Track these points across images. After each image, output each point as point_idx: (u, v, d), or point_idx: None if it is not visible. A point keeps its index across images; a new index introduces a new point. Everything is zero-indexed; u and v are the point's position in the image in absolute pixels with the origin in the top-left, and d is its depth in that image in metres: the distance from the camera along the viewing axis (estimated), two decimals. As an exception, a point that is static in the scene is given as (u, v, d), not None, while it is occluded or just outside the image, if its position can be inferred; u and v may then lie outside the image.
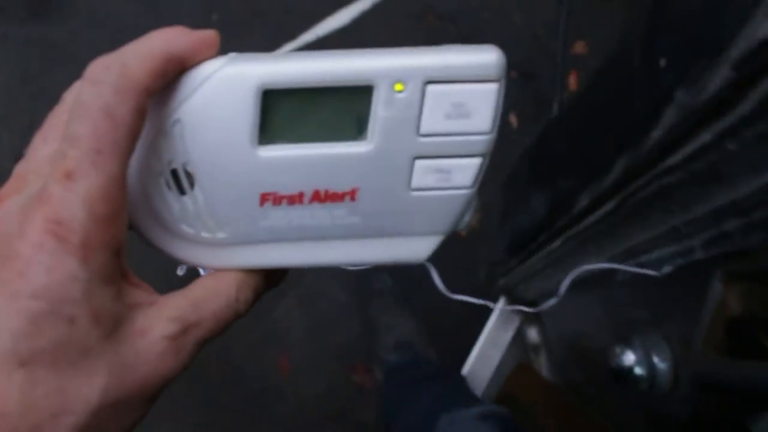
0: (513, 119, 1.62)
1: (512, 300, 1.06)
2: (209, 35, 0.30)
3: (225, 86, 0.30)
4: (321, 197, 0.32)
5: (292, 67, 0.30)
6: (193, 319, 0.30)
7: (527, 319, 1.14)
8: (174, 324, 0.30)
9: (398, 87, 0.30)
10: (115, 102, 0.27)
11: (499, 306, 1.11)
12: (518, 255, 0.92)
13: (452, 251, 1.49)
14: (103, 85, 0.27)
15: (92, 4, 1.72)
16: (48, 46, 1.68)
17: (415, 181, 0.33)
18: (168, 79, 0.29)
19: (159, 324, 0.29)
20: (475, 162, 0.32)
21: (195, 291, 0.32)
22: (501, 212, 0.99)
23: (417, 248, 0.35)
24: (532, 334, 1.14)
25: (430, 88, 0.31)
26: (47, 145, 0.30)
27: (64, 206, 0.26)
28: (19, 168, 0.30)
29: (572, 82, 1.58)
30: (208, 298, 0.31)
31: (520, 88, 1.63)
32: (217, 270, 0.33)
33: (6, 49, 1.68)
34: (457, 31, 1.71)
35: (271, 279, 0.35)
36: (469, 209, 0.35)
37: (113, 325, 0.27)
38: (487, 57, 0.31)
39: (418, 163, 0.32)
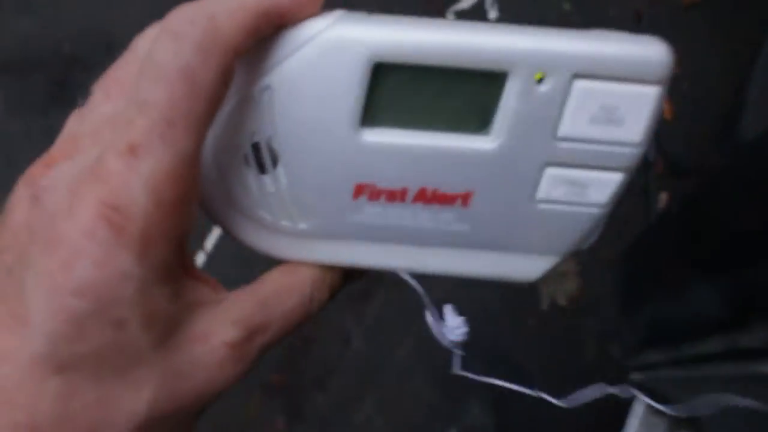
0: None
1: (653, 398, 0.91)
2: None
3: (328, 51, 0.26)
4: (427, 197, 0.29)
5: (412, 38, 0.26)
6: (260, 322, 0.27)
7: (677, 425, 0.98)
8: (238, 328, 0.27)
9: (539, 76, 0.26)
10: (198, 63, 0.23)
11: (641, 408, 0.95)
12: (665, 351, 0.82)
13: (554, 323, 1.36)
14: (184, 41, 0.23)
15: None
16: (72, 133, 1.57)
17: (542, 192, 0.29)
18: (260, 39, 0.26)
19: (222, 328, 0.26)
20: (617, 178, 0.28)
21: (265, 287, 0.29)
22: (622, 289, 0.92)
23: (528, 267, 0.31)
24: (684, 437, 0.97)
25: (579, 83, 0.26)
26: (109, 102, 0.26)
27: (123, 188, 0.22)
28: (72, 126, 0.27)
29: (666, 109, 1.44)
30: (279, 296, 0.29)
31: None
32: (292, 262, 0.30)
33: (32, 145, 1.63)
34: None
35: (351, 275, 0.32)
36: (596, 230, 0.31)
37: (168, 329, 0.25)
38: (653, 52, 0.26)
39: (549, 171, 0.28)
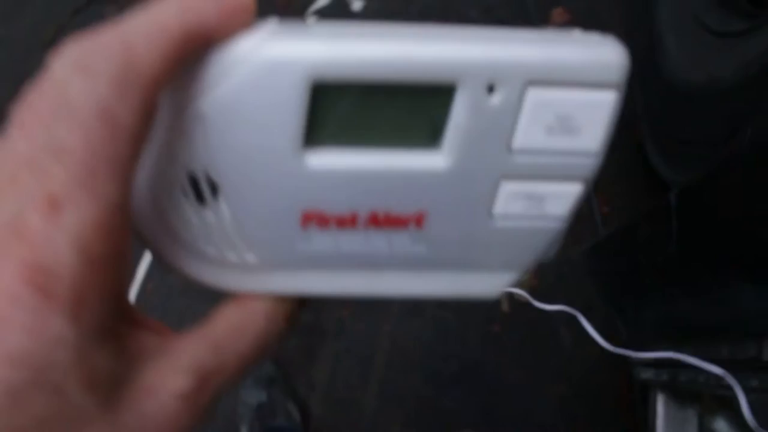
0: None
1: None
2: (242, 1, 0.24)
3: (263, 72, 0.24)
4: (379, 221, 0.27)
5: (352, 52, 0.24)
6: (213, 366, 0.25)
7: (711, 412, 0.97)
8: (190, 377, 0.24)
9: (490, 89, 0.25)
10: (116, 102, 0.21)
11: (663, 402, 0.98)
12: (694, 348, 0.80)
13: (520, 321, 1.27)
14: (99, 78, 0.21)
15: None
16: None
17: (499, 207, 0.27)
18: (185, 62, 0.23)
19: (171, 379, 0.24)
20: (575, 189, 0.27)
21: (216, 328, 0.26)
22: (609, 286, 0.91)
23: (489, 284, 0.29)
24: (721, 425, 0.96)
25: (532, 92, 0.25)
26: (25, 139, 0.22)
27: (46, 246, 0.20)
28: None
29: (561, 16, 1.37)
30: (232, 335, 0.26)
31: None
32: (244, 296, 0.28)
33: None
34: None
35: (308, 303, 0.30)
36: (556, 243, 0.29)
37: (113, 387, 0.23)
38: (608, 55, 0.25)
39: (505, 185, 0.27)
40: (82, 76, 0.21)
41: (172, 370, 0.25)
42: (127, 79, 0.21)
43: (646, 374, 0.94)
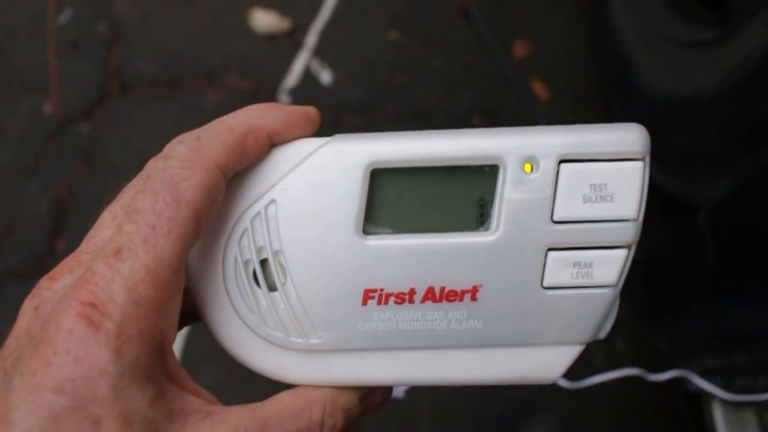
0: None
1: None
2: (307, 110, 0.29)
3: (328, 164, 0.28)
4: (436, 296, 0.29)
5: (405, 144, 0.28)
6: None
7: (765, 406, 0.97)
8: None
9: (528, 167, 0.28)
10: (182, 175, 0.26)
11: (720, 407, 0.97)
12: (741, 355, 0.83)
13: None
14: (171, 159, 0.26)
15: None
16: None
17: (549, 277, 0.29)
18: (249, 157, 0.28)
19: None
20: (620, 254, 0.29)
21: (268, 407, 0.27)
22: (648, 301, 0.91)
23: (550, 362, 0.30)
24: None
25: (565, 167, 0.28)
26: (117, 200, 0.29)
27: (103, 287, 0.24)
28: (81, 246, 0.28)
29: (541, 90, 1.39)
30: (283, 417, 0.27)
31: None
32: (303, 386, 0.29)
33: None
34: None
35: (369, 401, 0.31)
36: (612, 313, 0.30)
37: None
38: (629, 132, 0.28)
39: (552, 255, 0.29)
40: (161, 158, 0.26)
41: None
42: (192, 159, 0.26)
43: (705, 388, 0.94)
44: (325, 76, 1.44)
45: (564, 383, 0.65)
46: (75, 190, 1.40)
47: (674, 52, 1.02)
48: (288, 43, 1.49)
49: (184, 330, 1.26)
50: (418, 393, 1.29)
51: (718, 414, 0.97)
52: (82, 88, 1.49)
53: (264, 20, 1.50)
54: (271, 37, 1.50)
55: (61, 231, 1.36)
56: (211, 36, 1.52)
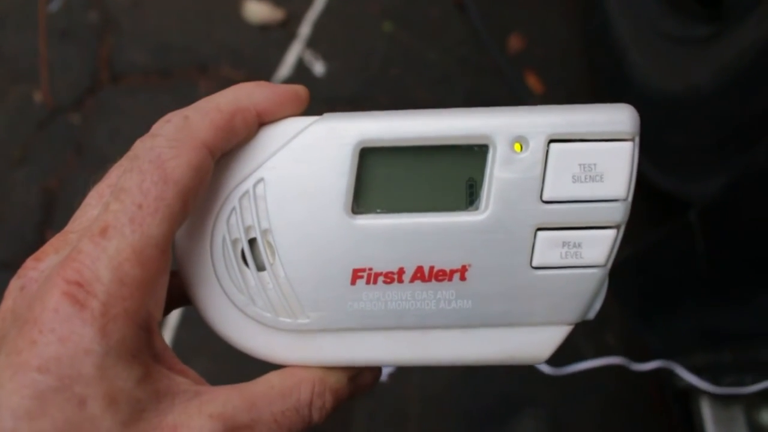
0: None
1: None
2: (296, 89, 0.29)
3: (318, 142, 0.28)
4: (425, 276, 0.29)
5: (395, 123, 0.28)
6: (243, 421, 0.26)
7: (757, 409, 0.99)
8: (216, 423, 0.25)
9: (517, 146, 0.28)
10: (169, 154, 0.25)
11: (708, 404, 0.99)
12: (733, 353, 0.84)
13: None
14: (158, 138, 0.26)
15: None
16: None
17: (538, 257, 0.29)
18: (237, 136, 0.28)
19: (197, 421, 0.25)
20: (609, 234, 0.29)
21: (256, 387, 0.27)
22: (639, 298, 0.93)
23: (538, 342, 0.30)
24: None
25: (555, 146, 0.28)
26: (104, 180, 0.29)
27: (89, 265, 0.24)
28: (67, 226, 0.28)
29: (535, 84, 1.38)
30: (271, 397, 0.27)
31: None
32: (292, 366, 0.29)
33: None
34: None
35: (358, 382, 0.31)
36: (600, 294, 0.30)
37: (134, 413, 0.24)
38: (619, 113, 0.28)
39: (541, 235, 0.29)
40: (147, 137, 0.26)
41: (200, 413, 0.25)
42: (179, 138, 0.26)
43: (692, 382, 0.95)
44: (318, 68, 1.43)
45: (547, 369, 0.65)
46: (65, 181, 1.39)
47: (668, 49, 1.02)
48: (281, 33, 1.48)
49: (173, 323, 1.25)
50: (408, 387, 1.29)
51: (707, 410, 0.98)
52: (73, 78, 1.48)
53: (257, 10, 1.49)
54: (264, 28, 1.49)
55: (51, 221, 1.35)
56: (204, 26, 1.51)
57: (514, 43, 1.44)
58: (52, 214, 1.36)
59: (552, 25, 1.46)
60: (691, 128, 0.93)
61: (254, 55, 1.47)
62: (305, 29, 1.48)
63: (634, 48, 1.08)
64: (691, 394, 0.99)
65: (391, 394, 1.30)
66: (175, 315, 1.24)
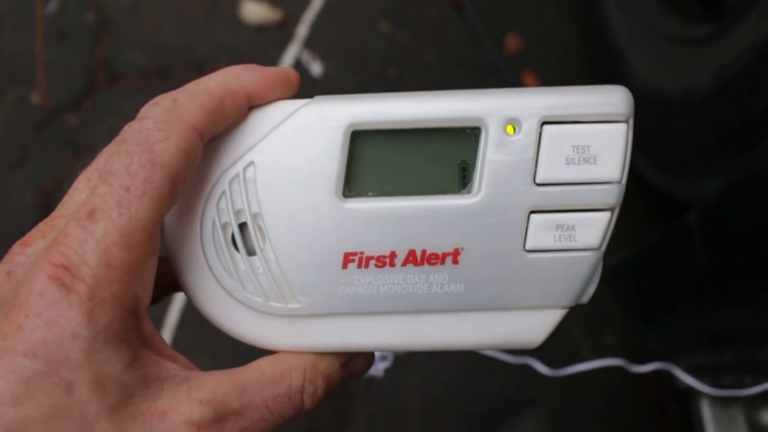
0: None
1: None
2: (285, 72, 0.29)
3: (308, 125, 0.28)
4: (417, 259, 0.29)
5: (386, 105, 0.28)
6: (234, 406, 0.26)
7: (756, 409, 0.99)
8: (205, 408, 0.25)
9: (510, 129, 0.28)
10: (157, 137, 0.25)
11: (707, 406, 0.99)
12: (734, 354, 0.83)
13: None
14: (147, 120, 0.26)
15: None
16: None
17: (531, 240, 0.29)
18: (227, 119, 0.27)
19: (186, 406, 0.25)
20: (603, 217, 0.29)
21: (247, 372, 0.27)
22: (639, 299, 0.92)
23: (532, 326, 0.30)
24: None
25: (548, 128, 0.28)
26: (93, 164, 0.29)
27: (76, 249, 0.23)
28: (55, 211, 0.28)
29: (532, 84, 1.46)
30: (262, 382, 0.27)
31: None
32: (283, 352, 0.29)
33: None
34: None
35: (350, 367, 0.30)
36: (594, 277, 0.30)
37: (123, 398, 0.24)
38: (612, 94, 0.28)
39: (535, 218, 0.29)
40: (136, 120, 0.26)
41: (189, 398, 0.25)
42: (168, 121, 0.25)
43: (690, 384, 0.95)
44: (316, 68, 1.43)
45: (545, 371, 0.65)
46: (62, 182, 1.39)
47: (667, 49, 1.02)
48: (278, 34, 1.48)
49: (173, 323, 1.25)
50: (407, 387, 1.29)
51: (707, 411, 0.98)
52: (70, 79, 1.47)
53: (254, 11, 1.48)
54: (262, 28, 1.49)
55: (48, 223, 1.34)
56: (201, 26, 1.51)
57: (512, 42, 1.44)
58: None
59: (550, 25, 1.46)
60: (690, 129, 0.93)
61: (252, 55, 1.47)
62: (303, 30, 1.48)
63: (633, 48, 1.08)
64: (691, 394, 0.99)
65: (390, 395, 1.30)
66: (174, 315, 1.23)
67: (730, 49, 0.84)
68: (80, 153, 1.41)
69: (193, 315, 1.22)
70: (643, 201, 1.19)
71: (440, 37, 1.47)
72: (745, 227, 0.68)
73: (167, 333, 1.21)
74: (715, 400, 0.98)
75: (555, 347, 1.31)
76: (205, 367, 0.28)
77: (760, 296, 0.71)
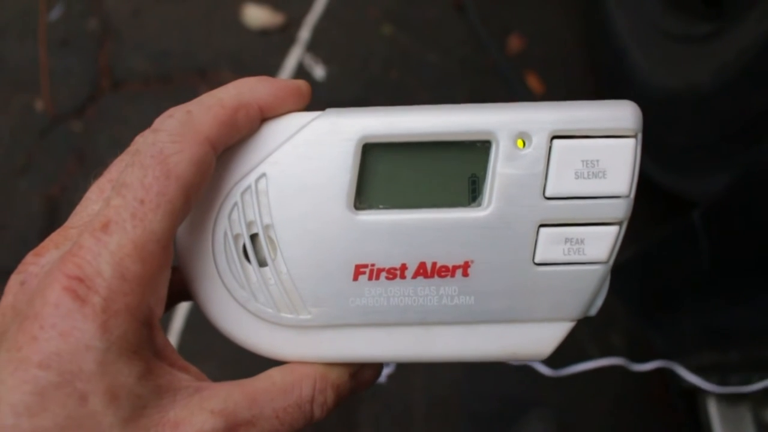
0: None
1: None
2: (297, 84, 0.29)
3: (320, 138, 0.28)
4: (427, 272, 0.29)
5: (398, 118, 0.28)
6: (245, 417, 0.26)
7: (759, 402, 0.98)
8: (217, 419, 0.25)
9: (520, 143, 0.28)
10: (171, 149, 0.25)
11: (715, 404, 0.98)
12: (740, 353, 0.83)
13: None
14: (161, 133, 0.26)
15: None
16: None
17: (540, 254, 0.29)
18: (240, 131, 0.28)
19: (198, 417, 0.25)
20: (612, 231, 0.29)
21: (257, 383, 0.27)
22: (643, 298, 0.92)
23: (540, 338, 0.30)
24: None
25: (558, 143, 0.28)
26: (105, 175, 0.29)
27: (90, 260, 0.24)
28: (68, 221, 0.28)
29: (535, 84, 1.37)
30: (272, 393, 0.27)
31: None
32: (293, 362, 0.29)
33: None
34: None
35: (360, 378, 0.30)
36: (602, 290, 0.30)
37: (136, 409, 0.24)
38: (621, 109, 0.28)
39: (544, 231, 0.29)
40: (150, 131, 0.26)
41: (201, 409, 0.25)
42: (181, 133, 0.25)
43: (693, 382, 0.94)
44: (319, 72, 1.43)
45: (547, 371, 0.65)
46: (67, 188, 1.39)
47: (669, 47, 1.02)
48: (281, 38, 1.48)
49: (178, 328, 1.25)
50: (413, 389, 1.29)
51: (713, 409, 0.98)
52: (74, 85, 1.48)
53: (256, 15, 1.49)
54: (264, 32, 1.49)
55: (54, 229, 1.33)
56: (204, 31, 1.51)
57: (514, 43, 1.44)
58: (55, 222, 1.36)
59: (552, 25, 1.46)
60: (692, 126, 0.93)
61: (254, 59, 1.47)
62: (305, 33, 1.48)
63: (635, 46, 1.08)
64: (698, 393, 0.99)
65: (396, 396, 1.30)
66: (179, 320, 1.24)
67: (732, 47, 0.83)
68: (85, 159, 1.42)
69: (198, 320, 1.22)
70: (647, 199, 1.19)
71: (442, 38, 1.47)
72: (750, 224, 0.68)
73: (173, 338, 1.21)
74: (722, 399, 0.97)
75: (561, 349, 1.32)
76: (211, 372, 0.28)
77: (764, 293, 0.70)
